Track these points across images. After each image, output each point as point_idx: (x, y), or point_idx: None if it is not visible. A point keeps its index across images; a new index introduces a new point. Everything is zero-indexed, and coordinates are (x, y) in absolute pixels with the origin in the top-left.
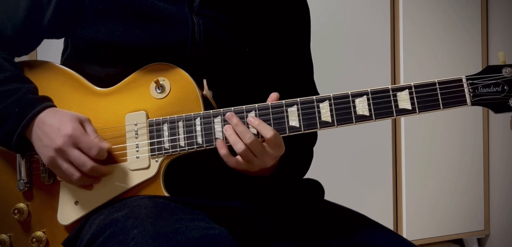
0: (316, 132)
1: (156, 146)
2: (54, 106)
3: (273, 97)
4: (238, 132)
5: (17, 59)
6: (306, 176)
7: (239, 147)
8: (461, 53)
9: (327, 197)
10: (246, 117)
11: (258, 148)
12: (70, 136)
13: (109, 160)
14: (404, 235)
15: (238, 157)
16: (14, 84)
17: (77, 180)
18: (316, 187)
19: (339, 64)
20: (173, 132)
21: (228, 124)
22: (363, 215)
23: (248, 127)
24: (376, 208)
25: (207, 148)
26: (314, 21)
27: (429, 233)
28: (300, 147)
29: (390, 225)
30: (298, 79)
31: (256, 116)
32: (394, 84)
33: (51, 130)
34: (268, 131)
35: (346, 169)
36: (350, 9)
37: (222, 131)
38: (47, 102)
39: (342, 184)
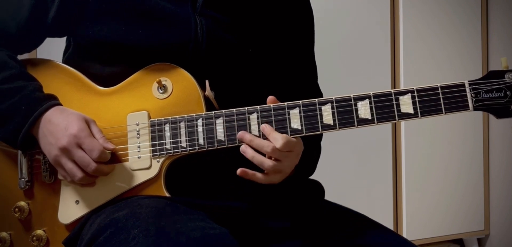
0: None
1: (157, 146)
2: (61, 105)
3: (271, 100)
4: (256, 146)
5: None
6: None
7: (267, 165)
8: (461, 54)
9: (327, 197)
10: (248, 119)
11: (279, 154)
12: (75, 136)
13: (111, 159)
14: (404, 235)
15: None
16: (20, 82)
17: (79, 180)
18: (316, 187)
19: (339, 65)
20: (174, 132)
21: (244, 144)
22: (364, 215)
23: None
24: (376, 208)
25: (208, 149)
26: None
27: (429, 233)
28: (312, 142)
29: (390, 225)
30: (301, 80)
31: (258, 118)
32: (394, 85)
33: (57, 128)
34: (278, 141)
35: (346, 169)
36: (350, 10)
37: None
38: (53, 101)
39: (342, 184)
